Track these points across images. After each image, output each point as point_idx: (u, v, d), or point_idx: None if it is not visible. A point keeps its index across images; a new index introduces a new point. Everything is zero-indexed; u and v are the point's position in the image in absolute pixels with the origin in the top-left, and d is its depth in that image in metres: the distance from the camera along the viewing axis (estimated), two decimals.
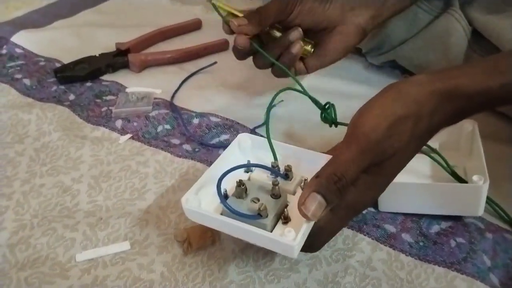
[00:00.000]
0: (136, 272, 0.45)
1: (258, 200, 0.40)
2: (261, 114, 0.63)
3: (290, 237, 0.36)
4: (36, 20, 0.89)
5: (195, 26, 0.86)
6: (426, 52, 0.65)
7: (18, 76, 0.72)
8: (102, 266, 0.45)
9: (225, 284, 0.43)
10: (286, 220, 0.40)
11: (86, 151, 0.58)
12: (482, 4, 0.63)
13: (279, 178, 0.43)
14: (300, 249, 0.37)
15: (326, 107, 0.50)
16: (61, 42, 0.81)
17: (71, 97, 0.68)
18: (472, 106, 0.39)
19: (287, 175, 0.43)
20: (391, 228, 0.48)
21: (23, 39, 0.81)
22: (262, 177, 0.44)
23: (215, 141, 0.60)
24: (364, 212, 0.49)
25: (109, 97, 0.68)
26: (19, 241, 0.47)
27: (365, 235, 0.47)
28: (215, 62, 0.75)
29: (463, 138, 0.51)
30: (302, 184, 0.43)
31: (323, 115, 0.50)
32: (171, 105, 0.66)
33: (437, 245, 0.46)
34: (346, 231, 0.48)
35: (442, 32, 0.63)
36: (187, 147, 0.59)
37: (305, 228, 0.36)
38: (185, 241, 0.47)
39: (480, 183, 0.43)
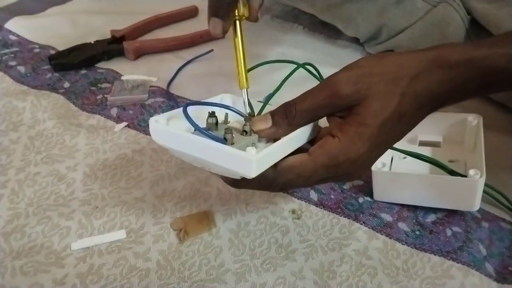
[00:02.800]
0: (132, 261, 0.44)
1: (228, 132, 0.38)
2: (258, 104, 0.63)
3: (250, 152, 0.34)
4: (30, 6, 0.88)
5: (191, 13, 0.85)
6: (424, 41, 0.65)
7: (12, 63, 0.72)
8: (98, 254, 0.45)
9: (222, 273, 0.43)
10: None
11: (81, 139, 0.58)
12: None
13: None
14: (259, 170, 0.35)
15: None
16: (55, 29, 0.80)
17: (66, 84, 0.68)
18: (456, 76, 0.37)
19: None
20: (387, 217, 0.48)
21: (17, 25, 0.80)
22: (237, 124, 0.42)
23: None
24: (360, 201, 0.49)
25: (104, 85, 0.68)
26: (14, 229, 0.47)
27: (361, 224, 0.47)
28: (212, 50, 0.74)
29: (467, 132, 0.51)
30: None
31: None
32: (167, 93, 0.65)
33: (433, 234, 0.46)
34: (342, 220, 0.48)
35: (440, 22, 0.63)
36: None
37: (268, 149, 0.36)
38: (181, 229, 0.47)
39: (477, 178, 0.43)
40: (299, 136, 0.39)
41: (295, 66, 0.45)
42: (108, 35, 0.76)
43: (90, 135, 0.58)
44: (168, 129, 0.37)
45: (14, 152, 0.56)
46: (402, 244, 0.45)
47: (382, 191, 0.48)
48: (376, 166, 0.47)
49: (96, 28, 0.80)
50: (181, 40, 0.76)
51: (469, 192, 0.44)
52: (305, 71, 0.45)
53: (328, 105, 0.37)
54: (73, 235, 0.47)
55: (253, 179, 0.35)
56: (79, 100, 0.64)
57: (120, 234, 0.47)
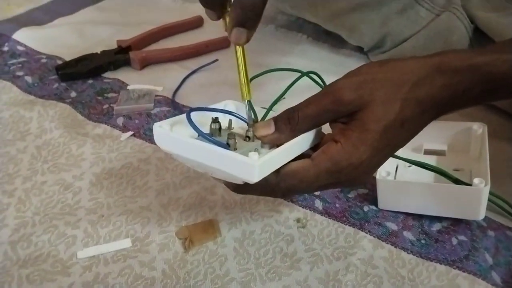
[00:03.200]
0: (138, 270, 0.45)
1: (231, 137, 0.38)
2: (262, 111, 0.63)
3: (253, 157, 0.34)
4: (37, 17, 0.89)
5: (196, 23, 0.86)
6: (428, 50, 0.64)
7: (20, 73, 0.72)
8: (104, 263, 0.45)
9: (226, 282, 0.43)
10: None
11: (87, 149, 0.58)
12: (484, 1, 0.63)
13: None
14: (261, 175, 0.35)
15: None
16: (62, 39, 0.81)
17: (73, 94, 0.68)
18: (459, 82, 0.37)
19: None
20: (392, 226, 0.48)
21: (25, 36, 0.81)
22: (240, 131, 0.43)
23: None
24: (365, 209, 0.49)
25: (110, 95, 0.68)
26: (21, 238, 0.47)
27: (366, 233, 0.47)
28: (217, 60, 0.75)
29: (472, 141, 0.51)
30: None
31: None
32: (172, 103, 0.66)
33: (439, 243, 0.46)
34: (347, 229, 0.48)
35: (444, 30, 0.63)
36: None
37: (271, 154, 0.36)
38: (186, 238, 0.47)
39: (481, 186, 0.43)
40: (302, 142, 0.39)
41: (299, 74, 0.45)
42: (114, 45, 0.77)
43: (96, 144, 0.59)
44: (172, 135, 0.38)
45: (21, 161, 0.57)
46: (408, 253, 0.45)
47: (387, 199, 0.48)
48: (381, 174, 0.47)
49: (102, 39, 0.81)
50: (186, 50, 0.77)
51: (474, 201, 0.44)
52: (309, 80, 0.46)
53: (330, 111, 0.38)
54: (79, 244, 0.47)
55: (256, 184, 0.36)
56: (86, 109, 0.65)
57: (126, 243, 0.47)
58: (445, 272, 0.43)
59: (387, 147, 0.38)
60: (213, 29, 0.82)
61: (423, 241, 0.46)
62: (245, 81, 0.43)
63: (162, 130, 0.38)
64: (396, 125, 0.37)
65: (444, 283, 0.43)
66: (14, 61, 0.75)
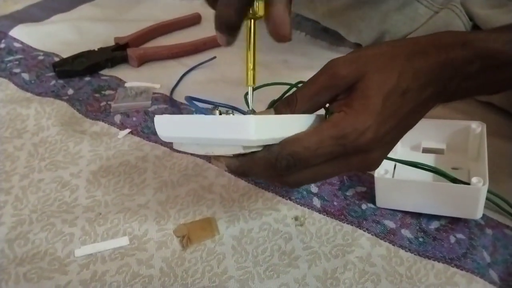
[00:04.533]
0: (135, 268, 0.44)
1: (230, 113, 0.39)
2: (261, 109, 0.63)
3: (248, 116, 0.34)
4: (34, 14, 0.88)
5: (194, 20, 0.86)
6: None
7: (17, 70, 0.72)
8: (101, 261, 0.45)
9: (225, 280, 0.43)
10: None
11: (85, 146, 0.58)
12: None
13: None
14: (259, 134, 0.34)
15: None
16: (59, 36, 0.81)
17: (70, 91, 0.68)
18: (454, 58, 0.37)
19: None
20: (390, 224, 0.48)
21: (22, 33, 0.80)
22: None
23: None
24: (363, 207, 0.49)
25: (108, 92, 0.68)
26: (18, 236, 0.47)
27: (364, 230, 0.47)
28: (215, 57, 0.74)
29: (470, 139, 0.51)
30: None
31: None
32: (170, 100, 0.66)
33: (437, 241, 0.46)
34: (345, 227, 0.48)
35: (443, 28, 0.63)
36: None
37: (268, 116, 0.35)
38: (184, 236, 0.47)
39: (479, 185, 0.43)
40: (303, 120, 0.38)
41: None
42: (112, 42, 0.77)
43: (94, 141, 0.59)
44: (172, 117, 0.38)
45: (18, 159, 0.56)
46: (406, 251, 0.45)
47: (385, 197, 0.48)
48: (379, 172, 0.47)
49: (100, 36, 0.80)
50: (184, 47, 0.76)
51: (472, 200, 0.44)
52: None
53: (328, 87, 0.37)
54: (76, 242, 0.47)
55: (258, 156, 0.35)
56: (83, 107, 0.65)
57: (123, 241, 0.47)
58: (443, 270, 0.43)
59: (392, 118, 0.37)
60: (211, 26, 0.81)
61: (421, 239, 0.46)
62: (252, 67, 0.43)
63: (162, 117, 0.38)
64: (397, 94, 0.36)
65: (442, 281, 0.43)
66: (11, 58, 0.75)
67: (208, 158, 0.56)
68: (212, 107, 0.40)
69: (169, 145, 0.58)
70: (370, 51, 0.38)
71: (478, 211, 0.45)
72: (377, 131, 0.36)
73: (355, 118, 0.36)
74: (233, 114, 0.40)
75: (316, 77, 0.38)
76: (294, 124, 0.38)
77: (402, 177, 0.48)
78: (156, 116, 0.39)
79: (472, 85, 0.40)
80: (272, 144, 0.36)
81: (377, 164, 0.40)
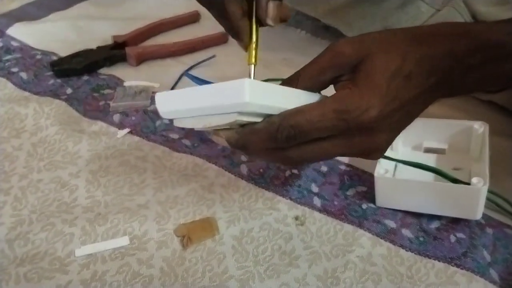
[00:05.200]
0: (136, 267, 0.44)
1: None
2: None
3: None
4: (32, 12, 0.88)
5: (193, 18, 0.85)
6: None
7: (15, 69, 0.72)
8: (101, 261, 0.45)
9: (225, 279, 0.43)
10: None
11: (83, 146, 0.58)
12: None
13: None
14: (254, 96, 0.33)
15: None
16: (57, 35, 0.80)
17: (68, 90, 0.68)
18: (455, 47, 0.37)
19: None
20: (391, 224, 0.48)
21: (19, 32, 0.80)
22: None
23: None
24: (364, 207, 0.49)
25: (106, 91, 0.68)
26: (18, 236, 0.47)
27: (365, 230, 0.47)
28: (214, 56, 0.74)
29: (473, 139, 0.51)
30: None
31: None
32: None
33: (437, 240, 0.46)
34: (346, 227, 0.48)
35: None
36: (186, 142, 0.58)
37: (264, 83, 0.35)
38: (184, 236, 0.47)
39: (479, 186, 0.43)
40: (305, 95, 0.38)
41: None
42: (110, 41, 0.76)
43: (93, 141, 0.58)
44: (171, 92, 0.38)
45: (17, 159, 0.56)
46: (406, 250, 0.45)
47: (385, 197, 0.48)
48: (379, 172, 0.47)
49: (98, 34, 0.80)
50: (183, 45, 0.76)
51: (472, 200, 0.44)
52: None
53: (332, 66, 0.37)
54: (76, 242, 0.47)
55: (257, 128, 0.35)
56: (82, 106, 0.64)
57: (124, 241, 0.47)
58: (443, 269, 0.44)
59: (396, 100, 0.36)
60: (210, 24, 0.81)
61: (421, 239, 0.46)
62: (254, 47, 0.43)
63: (162, 93, 0.38)
64: (401, 77, 0.36)
65: (443, 280, 0.43)
66: (9, 57, 0.75)
67: (209, 158, 0.55)
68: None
69: (168, 144, 0.58)
70: (374, 34, 0.38)
71: (478, 212, 0.45)
72: (381, 110, 0.36)
73: (359, 95, 0.35)
74: None
75: (320, 56, 0.38)
76: (295, 98, 0.37)
77: (402, 176, 0.49)
78: (156, 93, 0.38)
79: (474, 78, 0.39)
80: (272, 115, 0.35)
81: (380, 150, 0.39)
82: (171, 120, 0.55)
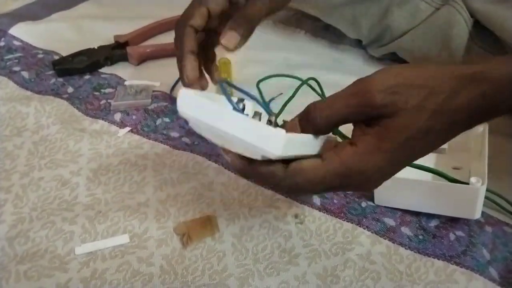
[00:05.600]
0: (135, 265, 0.45)
1: (257, 115, 0.39)
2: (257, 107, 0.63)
3: (281, 131, 0.33)
4: (34, 12, 0.88)
5: None
6: (427, 44, 0.65)
7: (16, 68, 0.72)
8: (101, 259, 0.45)
9: (225, 277, 0.43)
10: None
11: (84, 144, 0.58)
12: None
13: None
14: (285, 151, 0.33)
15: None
16: (59, 34, 0.80)
17: (70, 90, 0.68)
18: (499, 92, 0.34)
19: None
20: (390, 222, 0.48)
21: (21, 31, 0.80)
22: None
23: None
24: (363, 205, 0.49)
25: (107, 90, 0.68)
26: (18, 234, 0.47)
27: (364, 228, 0.47)
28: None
29: (472, 139, 0.50)
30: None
31: None
32: (170, 98, 0.66)
33: (437, 239, 0.46)
34: (345, 225, 0.48)
35: (444, 24, 0.63)
36: (186, 140, 0.59)
37: (297, 136, 0.35)
38: (184, 234, 0.47)
39: (478, 185, 0.43)
40: (317, 141, 0.38)
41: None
42: (111, 41, 0.76)
43: (94, 140, 0.59)
44: (198, 97, 0.36)
45: (18, 157, 0.56)
46: (405, 248, 0.45)
47: (383, 196, 0.48)
48: None
49: (99, 34, 0.80)
50: None
51: (470, 200, 0.44)
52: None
53: (358, 113, 0.35)
54: (76, 240, 0.47)
55: (264, 170, 0.35)
56: (83, 105, 0.65)
57: (124, 239, 0.47)
58: (442, 268, 0.44)
59: (404, 158, 0.36)
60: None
61: (420, 237, 0.46)
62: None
63: (189, 93, 0.37)
64: (419, 137, 0.35)
65: (442, 278, 0.43)
66: (11, 56, 0.75)
67: (209, 157, 0.56)
68: (237, 100, 0.39)
69: (169, 143, 0.58)
70: (415, 82, 0.34)
71: (476, 211, 0.44)
72: (383, 173, 0.36)
73: (365, 160, 0.35)
74: (260, 117, 0.39)
75: (347, 97, 0.35)
76: (309, 144, 0.37)
77: (401, 175, 0.48)
78: (182, 89, 0.36)
79: (502, 114, 0.36)
80: (278, 165, 0.36)
81: (370, 190, 0.41)
82: (171, 119, 0.55)
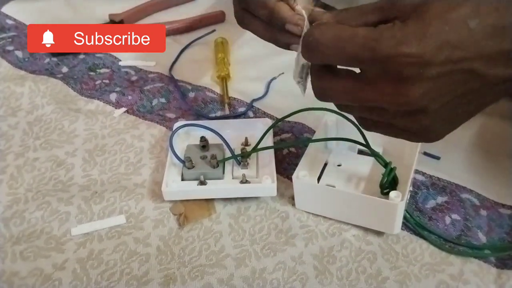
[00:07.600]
0: (132, 246, 0.44)
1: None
2: (259, 87, 0.62)
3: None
4: None
5: None
6: None
7: (10, 48, 0.71)
8: (98, 239, 0.45)
9: (221, 258, 0.43)
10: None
11: (80, 125, 0.57)
12: None
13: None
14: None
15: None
16: (53, 13, 0.79)
17: (64, 69, 0.67)
18: None
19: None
20: None
21: (14, 9, 0.79)
22: None
23: (211, 116, 0.59)
24: None
25: (102, 70, 0.67)
26: (14, 215, 0.47)
27: None
28: (214, 30, 0.73)
29: (406, 147, 0.48)
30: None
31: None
32: (170, 77, 0.65)
33: (432, 221, 0.46)
34: None
35: None
36: (183, 121, 0.58)
37: None
38: (181, 214, 0.47)
39: (397, 201, 0.41)
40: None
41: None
42: (106, 19, 0.75)
43: (89, 120, 0.58)
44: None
45: (12, 138, 0.56)
46: (402, 229, 0.45)
47: (303, 201, 0.47)
48: (298, 175, 0.45)
49: (94, 12, 0.79)
50: (180, 24, 0.75)
51: (389, 215, 0.43)
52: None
53: (384, 9, 0.32)
54: (72, 220, 0.47)
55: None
56: (78, 85, 0.64)
57: (120, 219, 0.47)
58: (438, 250, 0.44)
59: (446, 50, 0.29)
60: (208, 2, 0.81)
61: (417, 218, 0.46)
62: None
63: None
64: (459, 20, 0.29)
65: (437, 260, 0.43)
66: (4, 35, 0.74)
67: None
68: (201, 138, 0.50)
69: (165, 124, 0.58)
70: None
71: (395, 227, 0.43)
72: (422, 49, 0.29)
73: (400, 28, 0.30)
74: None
75: None
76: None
77: (329, 179, 0.48)
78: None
79: None
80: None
81: (417, 102, 0.31)
82: (167, 100, 0.56)
